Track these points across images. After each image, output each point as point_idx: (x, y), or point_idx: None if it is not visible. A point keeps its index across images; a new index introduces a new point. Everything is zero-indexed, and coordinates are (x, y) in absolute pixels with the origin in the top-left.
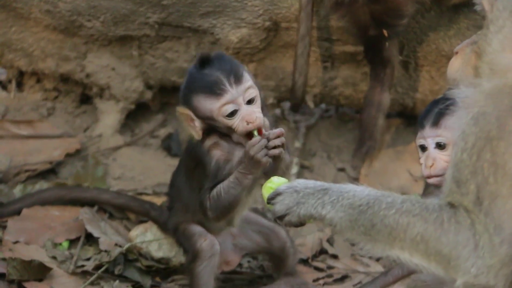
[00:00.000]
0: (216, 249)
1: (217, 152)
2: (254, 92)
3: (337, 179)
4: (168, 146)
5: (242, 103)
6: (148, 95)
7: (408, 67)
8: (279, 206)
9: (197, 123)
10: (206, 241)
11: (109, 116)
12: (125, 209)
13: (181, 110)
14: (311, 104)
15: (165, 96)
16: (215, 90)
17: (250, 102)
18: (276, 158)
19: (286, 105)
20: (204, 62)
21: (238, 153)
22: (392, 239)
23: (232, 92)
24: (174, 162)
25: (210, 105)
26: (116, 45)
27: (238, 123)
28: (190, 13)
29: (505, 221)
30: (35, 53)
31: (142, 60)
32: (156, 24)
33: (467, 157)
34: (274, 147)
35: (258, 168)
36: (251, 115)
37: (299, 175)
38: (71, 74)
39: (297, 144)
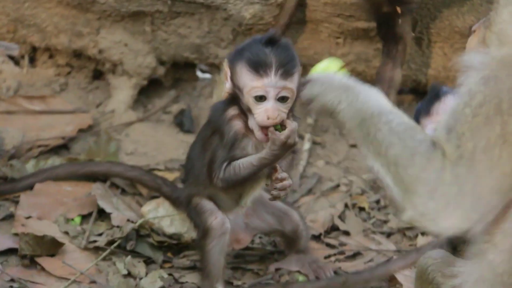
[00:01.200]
0: (227, 227)
1: (238, 122)
2: (289, 94)
3: (349, 155)
4: (180, 122)
5: (273, 96)
6: (161, 71)
7: (421, 44)
8: (306, 92)
9: (228, 85)
10: (216, 219)
11: (122, 92)
12: (137, 182)
13: (225, 65)
14: None
15: (177, 72)
16: (258, 70)
17: (281, 100)
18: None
19: None
20: (271, 42)
21: (252, 136)
22: (377, 153)
23: (272, 81)
24: (187, 138)
25: (247, 79)
26: (129, 21)
27: (259, 112)
28: None
29: (483, 192)
30: (48, 28)
31: (155, 36)
32: (168, 0)
33: (470, 113)
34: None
35: (288, 152)
36: (274, 112)
37: (311, 151)
38: (84, 50)
39: (309, 121)
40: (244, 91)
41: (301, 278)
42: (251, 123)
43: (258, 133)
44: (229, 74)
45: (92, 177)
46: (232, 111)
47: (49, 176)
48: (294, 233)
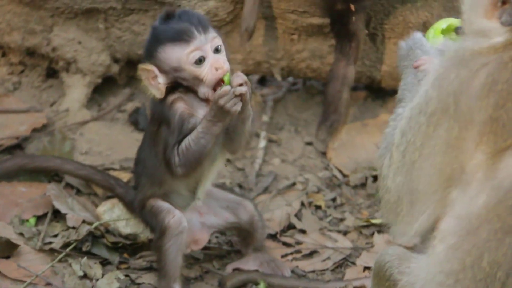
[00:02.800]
0: (184, 226)
1: (181, 105)
2: (219, 42)
3: (305, 153)
4: (135, 120)
5: (209, 50)
6: (115, 68)
7: (375, 40)
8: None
9: (161, 79)
10: (174, 218)
11: (76, 90)
12: (89, 181)
13: (144, 66)
14: (278, 77)
15: (132, 70)
16: (183, 37)
17: (216, 51)
18: (242, 106)
19: (254, 78)
20: (169, 16)
21: (202, 110)
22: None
23: (200, 38)
24: (141, 137)
25: (178, 53)
26: (82, 18)
27: (207, 71)
28: None
29: (418, 197)
30: (0, 26)
31: (109, 34)
32: None
33: (424, 122)
34: (240, 95)
35: (227, 118)
36: (219, 61)
37: (266, 149)
38: (37, 48)
39: (265, 118)
40: (182, 65)
41: (262, 284)
42: (203, 93)
43: (214, 96)
44: (156, 70)
45: (44, 174)
46: (171, 97)
47: None
48: (250, 224)
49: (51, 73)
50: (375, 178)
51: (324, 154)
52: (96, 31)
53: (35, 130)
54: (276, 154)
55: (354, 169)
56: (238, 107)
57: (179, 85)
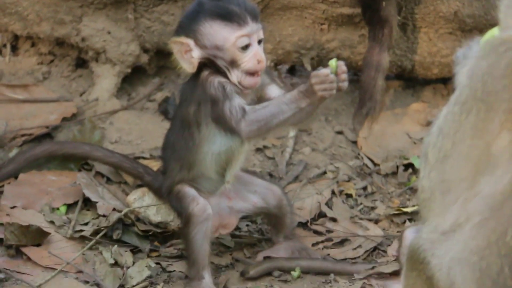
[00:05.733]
0: (209, 213)
1: (216, 76)
2: (262, 35)
3: (335, 142)
4: (165, 109)
5: (255, 40)
6: (145, 58)
7: (406, 29)
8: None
9: (196, 53)
10: (198, 205)
11: (106, 80)
12: (118, 169)
13: (178, 39)
14: (308, 67)
15: (161, 60)
16: (236, 20)
17: (259, 43)
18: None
19: (283, 68)
20: None
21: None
22: None
23: (252, 26)
24: None
25: (227, 33)
26: (111, 8)
27: (248, 59)
28: None
29: (449, 186)
30: (30, 17)
31: (138, 24)
32: None
33: (458, 112)
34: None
35: (316, 100)
36: (262, 55)
37: (297, 138)
38: (66, 38)
39: None
40: (226, 46)
41: (297, 271)
42: (236, 76)
43: (247, 80)
44: (192, 44)
45: (74, 163)
46: (204, 72)
47: (29, 158)
48: (279, 209)
49: (81, 63)
50: (406, 166)
51: (354, 143)
52: (125, 21)
53: (65, 119)
54: (306, 143)
55: (385, 158)
56: (327, 94)
57: (211, 63)
